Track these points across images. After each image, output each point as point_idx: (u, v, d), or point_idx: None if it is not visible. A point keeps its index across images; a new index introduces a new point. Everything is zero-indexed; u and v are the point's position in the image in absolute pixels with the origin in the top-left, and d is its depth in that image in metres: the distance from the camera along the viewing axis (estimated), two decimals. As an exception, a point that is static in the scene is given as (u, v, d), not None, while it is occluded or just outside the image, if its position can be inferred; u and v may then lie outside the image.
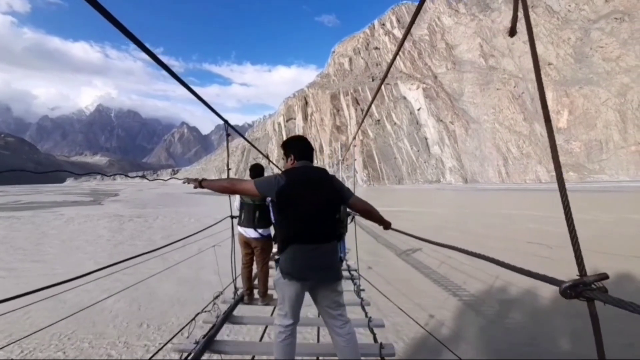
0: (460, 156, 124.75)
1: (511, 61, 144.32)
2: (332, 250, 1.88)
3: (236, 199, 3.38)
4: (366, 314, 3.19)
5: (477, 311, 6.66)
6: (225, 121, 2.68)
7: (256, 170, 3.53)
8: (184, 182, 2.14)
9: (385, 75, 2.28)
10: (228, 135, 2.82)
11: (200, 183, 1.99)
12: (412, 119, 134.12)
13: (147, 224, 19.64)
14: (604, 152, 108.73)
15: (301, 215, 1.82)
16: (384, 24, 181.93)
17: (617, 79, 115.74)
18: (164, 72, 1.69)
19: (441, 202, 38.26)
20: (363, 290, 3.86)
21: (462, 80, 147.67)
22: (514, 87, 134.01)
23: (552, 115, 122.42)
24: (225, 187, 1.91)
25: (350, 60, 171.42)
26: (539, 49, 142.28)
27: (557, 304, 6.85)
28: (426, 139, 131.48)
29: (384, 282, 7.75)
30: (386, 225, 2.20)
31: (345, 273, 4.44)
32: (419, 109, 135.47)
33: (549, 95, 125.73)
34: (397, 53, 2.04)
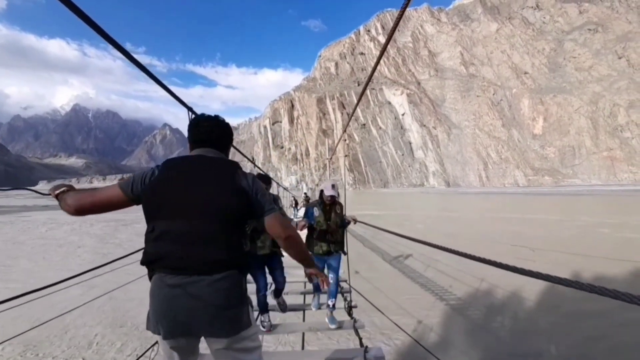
0: (442, 160, 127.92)
1: (490, 69, 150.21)
2: (219, 288, 1.13)
3: None
4: (361, 341, 2.51)
5: (464, 315, 6.51)
6: (189, 108, 2.35)
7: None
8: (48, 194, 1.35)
9: (369, 80, 2.15)
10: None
11: (56, 196, 1.25)
12: (396, 124, 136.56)
13: (119, 227, 18.63)
14: (577, 157, 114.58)
15: (169, 228, 1.15)
16: (369, 30, 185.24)
17: (589, 87, 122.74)
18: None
19: (424, 206, 38.82)
20: (355, 306, 3.26)
21: (444, 87, 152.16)
22: (493, 94, 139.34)
23: (528, 122, 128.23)
24: (79, 204, 1.21)
25: (336, 64, 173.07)
26: (516, 59, 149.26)
27: (542, 305, 6.83)
28: (410, 143, 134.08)
29: (370, 287, 7.47)
30: (312, 273, 1.51)
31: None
32: (403, 114, 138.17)
33: (525, 103, 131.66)
34: (380, 58, 1.84)
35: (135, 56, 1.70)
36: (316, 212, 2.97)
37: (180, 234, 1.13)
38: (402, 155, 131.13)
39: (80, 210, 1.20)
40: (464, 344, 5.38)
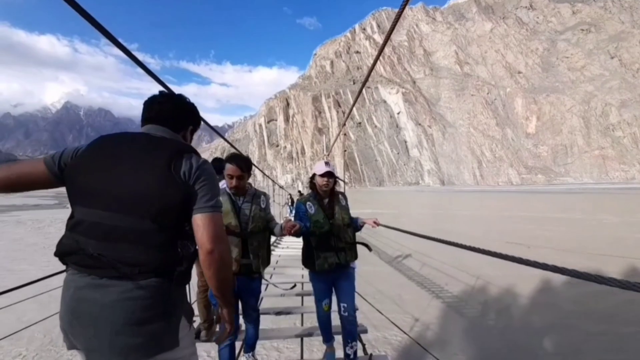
0: (437, 159, 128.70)
1: (484, 69, 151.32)
2: (132, 297, 0.90)
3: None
4: (364, 348, 2.34)
5: (461, 313, 6.50)
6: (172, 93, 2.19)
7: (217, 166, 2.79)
8: None
9: (366, 80, 2.16)
10: None
11: None
12: (392, 122, 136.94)
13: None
14: (569, 156, 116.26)
15: (85, 217, 0.96)
16: (364, 29, 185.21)
17: (581, 87, 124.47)
18: (139, 70, 1.68)
19: (420, 204, 39.01)
20: (356, 309, 2.76)
21: (439, 86, 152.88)
22: (487, 93, 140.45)
23: (522, 121, 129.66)
24: None
25: (331, 63, 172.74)
26: (510, 58, 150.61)
27: (536, 301, 6.86)
28: (406, 142, 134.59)
29: (364, 283, 7.44)
30: (223, 316, 1.12)
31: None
32: (398, 113, 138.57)
33: (519, 102, 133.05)
34: (376, 59, 1.84)
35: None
36: (310, 208, 2.10)
37: (96, 226, 0.93)
38: (398, 153, 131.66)
39: (5, 183, 0.99)
40: (460, 341, 5.37)
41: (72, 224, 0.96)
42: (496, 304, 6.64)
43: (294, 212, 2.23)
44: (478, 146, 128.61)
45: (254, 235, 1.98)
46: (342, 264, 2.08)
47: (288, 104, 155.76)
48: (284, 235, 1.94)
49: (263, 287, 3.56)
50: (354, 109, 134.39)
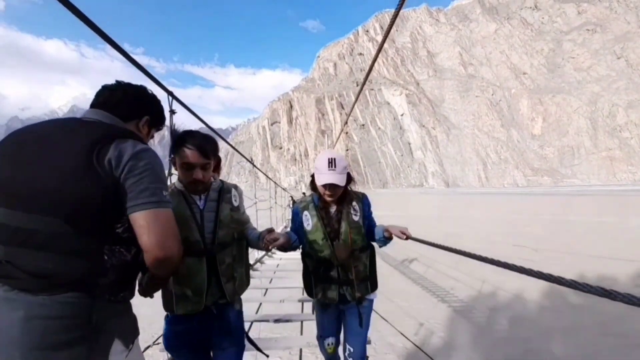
0: (442, 161, 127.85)
1: (489, 70, 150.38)
2: (42, 316, 0.71)
3: None
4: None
5: (467, 318, 6.30)
6: (170, 92, 2.00)
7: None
8: None
9: (365, 79, 2.11)
10: (172, 112, 1.90)
11: None
12: (395, 124, 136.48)
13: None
14: (576, 157, 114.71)
15: None
16: (367, 31, 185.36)
17: (587, 88, 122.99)
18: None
19: (425, 206, 38.68)
20: (367, 358, 2.20)
21: (443, 87, 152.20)
22: (492, 94, 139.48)
23: (527, 122, 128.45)
24: None
25: (334, 65, 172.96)
26: (514, 59, 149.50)
27: (546, 307, 6.63)
28: (409, 143, 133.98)
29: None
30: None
31: None
32: (402, 115, 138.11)
33: (524, 103, 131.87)
34: (376, 56, 1.75)
35: (134, 56, 1.69)
36: (307, 220, 1.53)
37: (2, 227, 0.75)
38: (401, 155, 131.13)
39: None
40: (467, 348, 5.19)
41: None
42: (505, 310, 6.45)
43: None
44: (483, 148, 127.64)
45: (224, 249, 1.32)
46: (349, 299, 1.51)
47: (291, 106, 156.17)
48: (262, 248, 1.33)
49: (260, 292, 3.32)
50: (357, 110, 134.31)
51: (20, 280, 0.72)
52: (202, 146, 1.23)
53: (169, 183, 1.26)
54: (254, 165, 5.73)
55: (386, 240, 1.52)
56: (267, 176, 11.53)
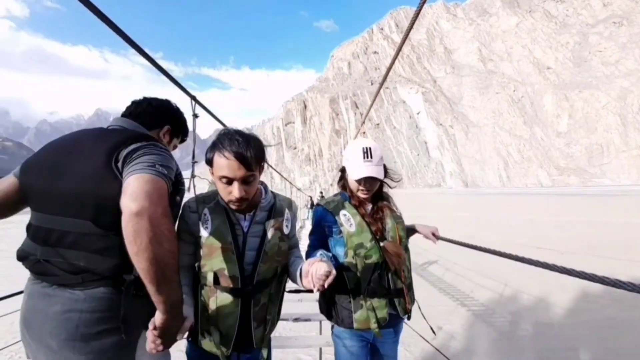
0: (460, 160, 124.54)
1: (510, 65, 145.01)
2: (79, 309, 0.79)
3: None
4: None
5: (488, 322, 6.13)
6: (193, 97, 2.16)
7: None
8: None
9: (384, 81, 2.07)
10: (195, 116, 2.00)
11: None
12: (411, 123, 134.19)
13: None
14: (605, 156, 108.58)
15: (32, 221, 0.88)
16: (382, 29, 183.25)
17: (616, 82, 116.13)
18: (163, 77, 1.62)
19: (443, 207, 37.85)
20: None
21: (461, 84, 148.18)
22: (514, 90, 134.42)
23: (552, 119, 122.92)
24: None
25: (349, 64, 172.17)
26: (538, 53, 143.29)
27: (572, 312, 6.34)
28: (426, 142, 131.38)
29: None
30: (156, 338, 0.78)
31: None
32: (418, 113, 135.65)
33: (549, 99, 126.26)
34: (395, 58, 1.70)
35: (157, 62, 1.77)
36: (349, 221, 1.23)
37: (38, 230, 0.85)
38: (417, 155, 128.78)
39: None
40: (488, 353, 5.05)
41: (27, 228, 0.88)
42: (528, 314, 6.22)
43: (310, 218, 1.35)
44: (504, 146, 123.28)
45: (262, 289, 1.07)
46: (399, 315, 1.24)
47: (305, 107, 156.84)
48: (305, 287, 1.01)
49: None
50: (372, 110, 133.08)
51: (56, 276, 0.80)
52: (242, 155, 0.95)
53: (207, 189, 1.20)
54: (270, 166, 5.80)
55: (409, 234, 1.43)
56: (282, 176, 11.66)
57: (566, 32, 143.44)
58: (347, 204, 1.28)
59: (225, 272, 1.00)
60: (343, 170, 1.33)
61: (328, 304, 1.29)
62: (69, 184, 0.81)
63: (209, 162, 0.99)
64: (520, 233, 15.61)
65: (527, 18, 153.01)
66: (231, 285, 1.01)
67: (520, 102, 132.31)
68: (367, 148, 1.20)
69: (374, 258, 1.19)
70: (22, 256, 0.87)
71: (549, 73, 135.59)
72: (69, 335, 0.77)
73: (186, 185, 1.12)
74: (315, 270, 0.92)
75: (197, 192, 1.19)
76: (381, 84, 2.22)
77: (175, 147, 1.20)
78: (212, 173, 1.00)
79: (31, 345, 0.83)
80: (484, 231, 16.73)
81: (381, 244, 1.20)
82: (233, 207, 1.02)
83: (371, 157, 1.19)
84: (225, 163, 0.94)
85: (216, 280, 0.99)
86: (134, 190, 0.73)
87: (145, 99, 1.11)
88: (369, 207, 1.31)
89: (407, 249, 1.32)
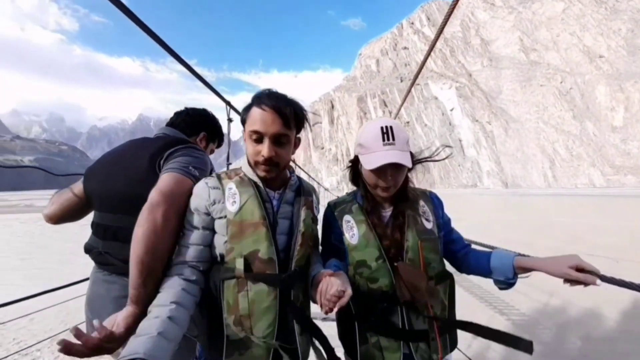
0: (499, 158, 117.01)
1: (556, 54, 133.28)
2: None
3: None
4: None
5: (530, 333, 5.74)
6: (227, 102, 2.28)
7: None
8: None
9: (416, 76, 2.03)
10: (230, 120, 2.18)
11: None
12: (444, 120, 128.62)
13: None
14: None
15: (94, 219, 1.04)
16: (412, 23, 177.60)
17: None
18: (198, 83, 1.69)
19: (480, 208, 35.91)
20: None
21: (500, 77, 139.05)
22: (561, 82, 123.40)
23: (606, 113, 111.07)
24: (48, 215, 1.07)
25: (377, 61, 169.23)
26: (588, 41, 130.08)
27: (628, 328, 5.74)
28: (460, 140, 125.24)
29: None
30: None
31: None
32: (452, 110, 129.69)
33: (601, 91, 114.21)
34: (429, 53, 1.66)
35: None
36: (351, 226, 0.98)
37: (98, 227, 1.00)
38: (451, 153, 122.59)
39: (61, 215, 1.08)
40: (530, 368, 4.70)
41: (91, 225, 1.04)
42: (576, 327, 5.72)
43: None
44: (550, 143, 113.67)
45: (302, 277, 0.93)
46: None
47: (333, 106, 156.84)
48: (315, 302, 0.86)
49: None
50: (402, 108, 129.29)
51: (115, 266, 0.96)
52: (279, 108, 0.85)
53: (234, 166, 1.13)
54: (298, 166, 5.91)
55: (513, 280, 0.94)
56: (310, 176, 11.81)
57: (617, 19, 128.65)
58: (355, 206, 1.01)
59: (260, 254, 0.83)
60: (355, 161, 1.03)
61: (340, 328, 1.06)
62: (121, 186, 0.94)
63: (244, 121, 0.90)
64: (566, 238, 14.37)
65: (575, 3, 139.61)
66: (268, 271, 0.83)
67: (569, 95, 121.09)
68: (387, 127, 0.90)
69: (381, 283, 0.91)
70: (88, 249, 1.03)
71: (602, 62, 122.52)
72: None
73: None
74: (325, 287, 0.76)
75: None
76: (413, 80, 2.15)
77: (212, 151, 1.35)
78: (245, 133, 0.88)
79: (92, 326, 0.86)
80: (523, 235, 15.61)
81: (395, 264, 0.90)
82: (261, 172, 0.89)
83: (393, 139, 0.89)
84: (258, 115, 0.84)
85: (247, 268, 0.81)
86: (161, 184, 0.84)
87: (185, 109, 1.26)
88: (388, 212, 0.99)
89: (442, 278, 0.96)
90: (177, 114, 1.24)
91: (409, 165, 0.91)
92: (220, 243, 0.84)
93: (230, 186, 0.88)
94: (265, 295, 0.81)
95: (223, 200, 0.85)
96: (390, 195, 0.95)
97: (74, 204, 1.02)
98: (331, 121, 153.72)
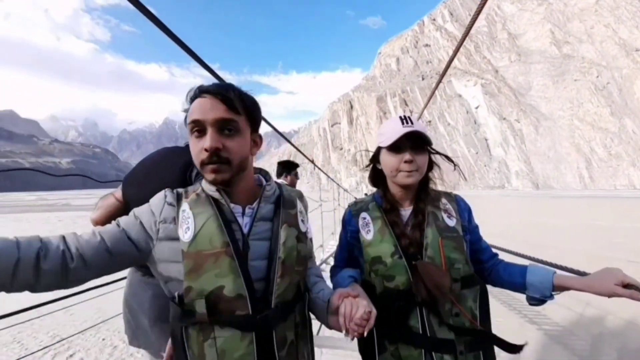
0: (529, 158, 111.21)
1: (591, 47, 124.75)
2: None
3: None
4: None
5: (563, 344, 5.47)
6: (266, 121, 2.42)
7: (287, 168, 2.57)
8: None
9: (443, 74, 1.93)
10: None
11: None
12: (468, 119, 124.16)
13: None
14: None
15: None
16: (434, 19, 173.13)
17: None
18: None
19: (507, 211, 34.42)
20: None
21: (529, 73, 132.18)
22: (597, 76, 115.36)
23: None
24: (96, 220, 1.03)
25: (397, 60, 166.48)
26: (623, 34, 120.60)
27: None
28: (486, 139, 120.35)
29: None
30: None
31: None
32: (477, 107, 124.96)
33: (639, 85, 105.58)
34: (456, 51, 1.57)
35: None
36: (366, 226, 0.93)
37: None
38: (476, 153, 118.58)
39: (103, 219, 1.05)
40: (564, 381, 4.47)
41: None
42: (613, 339, 5.36)
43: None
44: (585, 142, 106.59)
45: (286, 317, 0.72)
46: None
47: (352, 107, 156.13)
48: (333, 328, 0.74)
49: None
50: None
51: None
52: (220, 93, 0.68)
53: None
54: (316, 166, 5.92)
55: (550, 297, 0.89)
56: (329, 177, 11.79)
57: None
58: (373, 204, 0.97)
59: (225, 290, 0.64)
60: (375, 159, 0.98)
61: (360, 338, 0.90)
62: (155, 190, 0.86)
63: (186, 120, 0.71)
64: (603, 244, 13.43)
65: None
66: (238, 311, 0.65)
67: (606, 90, 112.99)
68: (405, 116, 0.89)
69: (398, 281, 0.84)
70: None
71: (638, 56, 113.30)
72: (157, 316, 0.99)
73: None
74: (350, 309, 0.66)
75: None
76: (439, 80, 2.14)
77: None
78: (188, 134, 0.73)
79: (130, 323, 1.05)
80: (555, 240, 14.77)
81: (414, 262, 0.83)
82: (209, 175, 0.69)
83: (412, 122, 0.86)
84: (197, 103, 0.68)
85: (211, 310, 0.63)
86: None
87: None
88: (408, 210, 0.93)
89: (470, 283, 0.86)
90: None
91: (429, 141, 0.87)
92: (171, 277, 0.68)
93: (184, 208, 0.71)
94: (237, 341, 0.64)
95: (174, 223, 0.69)
96: (414, 182, 0.87)
97: (116, 209, 1.07)
98: (350, 122, 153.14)
